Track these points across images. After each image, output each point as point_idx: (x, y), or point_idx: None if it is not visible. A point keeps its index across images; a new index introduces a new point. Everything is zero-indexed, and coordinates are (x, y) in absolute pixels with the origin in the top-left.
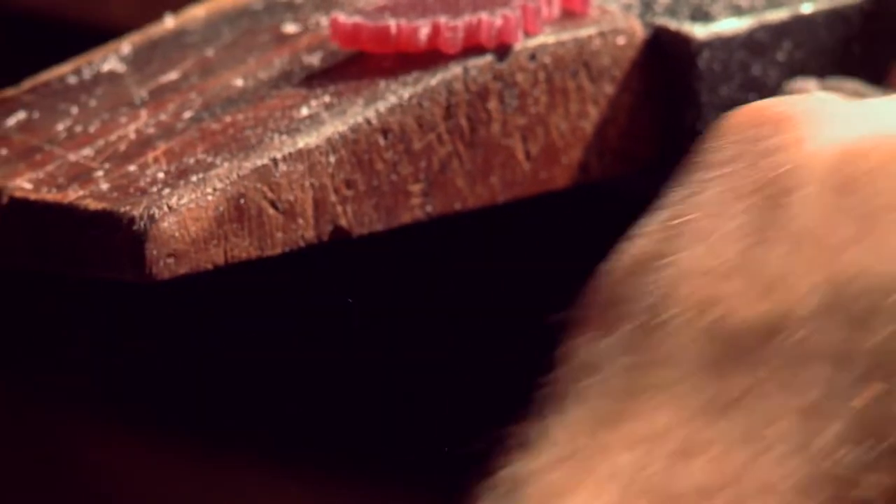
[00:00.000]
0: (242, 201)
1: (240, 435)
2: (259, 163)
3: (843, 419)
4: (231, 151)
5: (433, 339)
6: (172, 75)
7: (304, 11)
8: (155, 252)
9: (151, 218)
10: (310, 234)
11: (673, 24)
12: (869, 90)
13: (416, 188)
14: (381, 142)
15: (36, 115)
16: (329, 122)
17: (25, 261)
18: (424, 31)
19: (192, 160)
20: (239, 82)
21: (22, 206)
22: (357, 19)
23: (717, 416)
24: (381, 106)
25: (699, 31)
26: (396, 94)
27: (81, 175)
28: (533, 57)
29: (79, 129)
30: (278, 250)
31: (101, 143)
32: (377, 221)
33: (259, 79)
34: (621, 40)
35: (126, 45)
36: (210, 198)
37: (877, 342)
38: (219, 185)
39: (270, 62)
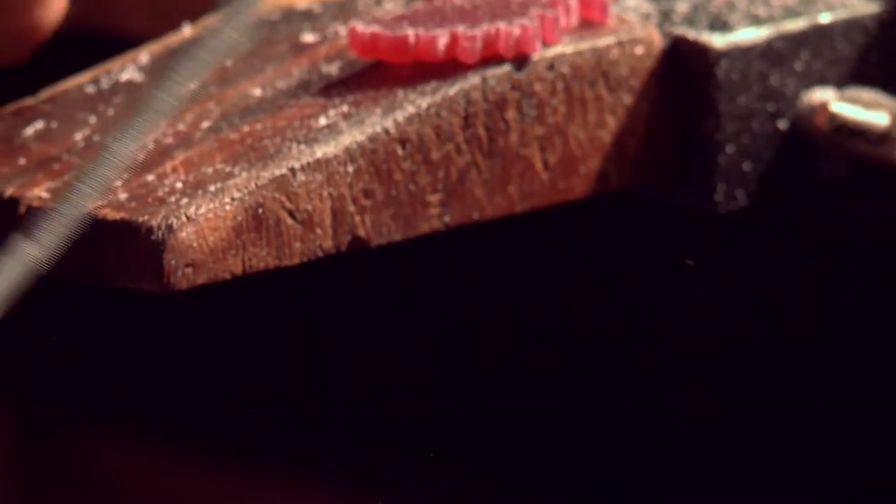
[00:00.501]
0: (261, 211)
1: (260, 449)
2: (277, 172)
3: None
4: (249, 161)
5: (447, 347)
6: (190, 85)
7: (322, 21)
8: (173, 262)
9: (170, 228)
10: (328, 244)
11: (691, 34)
12: (887, 100)
13: (434, 198)
14: (400, 152)
15: (54, 124)
16: (347, 132)
17: (45, 269)
18: (442, 40)
19: (210, 170)
20: (257, 92)
21: (40, 216)
22: (375, 29)
23: None
24: (400, 116)
25: (717, 41)
26: (414, 103)
27: None
28: (551, 67)
29: (97, 138)
30: (296, 260)
31: None
32: (395, 231)
33: (277, 88)
34: (639, 50)
35: (144, 55)
36: (228, 207)
37: None
38: (237, 195)
39: (289, 72)
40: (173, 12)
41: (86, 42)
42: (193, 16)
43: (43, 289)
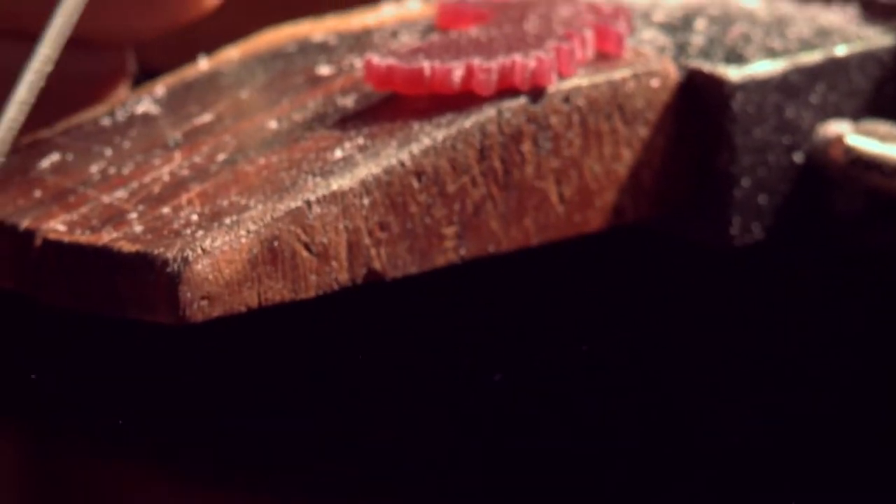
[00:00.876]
0: (276, 244)
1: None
2: (293, 205)
3: None
4: (265, 193)
5: (459, 380)
6: (206, 117)
7: (337, 53)
8: (189, 294)
9: (185, 260)
10: (343, 277)
11: (707, 67)
12: None
13: (449, 231)
14: (415, 184)
15: (69, 156)
16: (363, 165)
17: (60, 301)
18: (458, 72)
19: (225, 202)
20: (273, 124)
21: (56, 248)
22: (391, 61)
23: None
24: (415, 148)
25: (733, 74)
26: (430, 136)
27: (115, 217)
28: (567, 99)
29: (112, 171)
30: (312, 293)
31: (134, 185)
32: (411, 264)
33: (293, 121)
34: (655, 83)
35: (160, 87)
36: (244, 240)
37: None
38: (252, 228)
39: (304, 104)
40: (190, 45)
41: None
42: (210, 48)
43: (52, 317)
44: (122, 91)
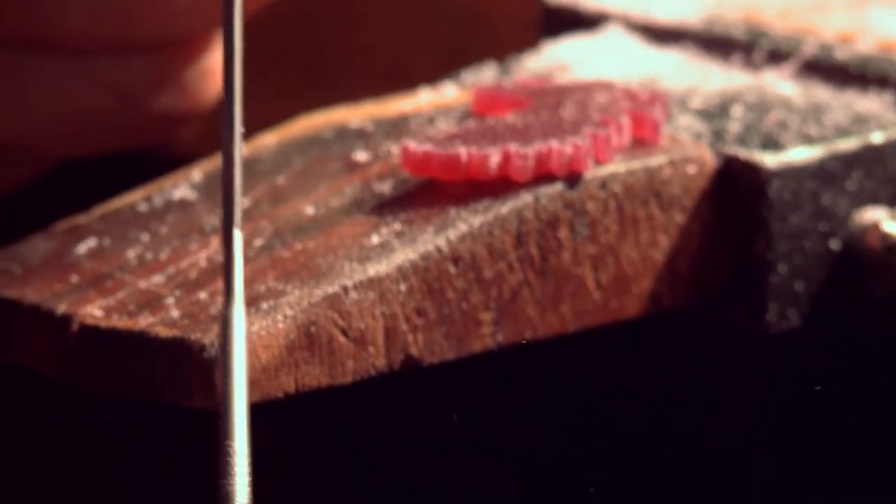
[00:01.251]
0: (313, 329)
1: None
2: (330, 290)
3: None
4: (302, 279)
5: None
6: (243, 203)
7: (374, 139)
8: None
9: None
10: (381, 363)
11: (743, 153)
12: None
13: (486, 317)
14: (452, 270)
15: (106, 242)
16: (399, 250)
17: (96, 386)
18: (495, 158)
19: (262, 287)
20: (310, 210)
21: (93, 333)
22: (427, 147)
23: None
24: (452, 234)
25: (769, 160)
26: (467, 221)
27: (152, 302)
28: (603, 185)
29: (149, 256)
30: (349, 379)
31: (171, 270)
32: (448, 350)
33: (330, 206)
34: (692, 169)
35: (197, 173)
36: (280, 325)
37: None
38: (289, 313)
39: (341, 190)
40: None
41: (137, 161)
42: (247, 134)
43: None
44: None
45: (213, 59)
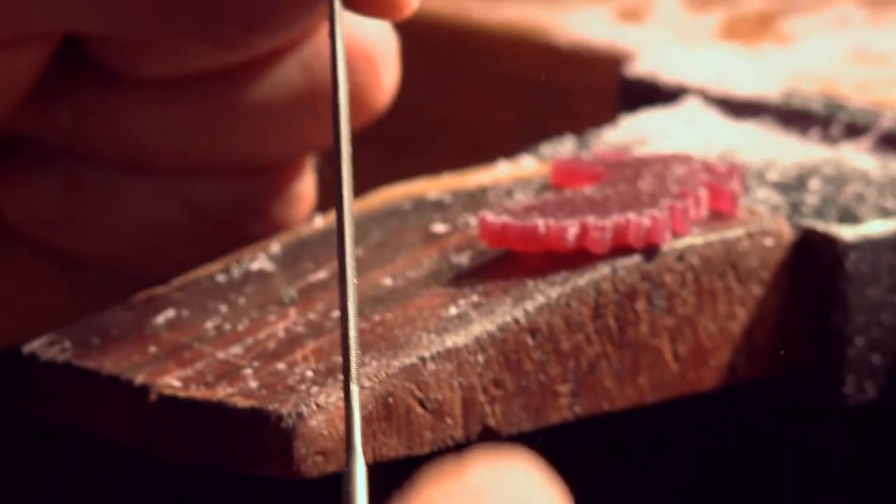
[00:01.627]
0: (391, 400)
1: None
2: (407, 361)
3: None
4: (379, 350)
5: None
6: (321, 274)
7: (452, 211)
8: (303, 450)
9: (300, 416)
10: (458, 434)
11: (820, 226)
12: None
13: (564, 388)
14: (530, 341)
15: (185, 312)
16: (477, 322)
17: (174, 456)
18: (573, 230)
19: (340, 359)
20: (388, 281)
21: (171, 403)
22: (505, 219)
23: None
24: (530, 305)
25: (847, 233)
26: (544, 293)
27: (230, 373)
28: (681, 258)
29: (227, 327)
30: (427, 449)
31: (249, 341)
32: (525, 421)
33: (408, 278)
34: (769, 241)
35: (275, 245)
36: (359, 396)
37: None
38: (367, 384)
39: (419, 261)
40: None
41: None
42: (324, 207)
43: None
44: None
45: (301, 186)
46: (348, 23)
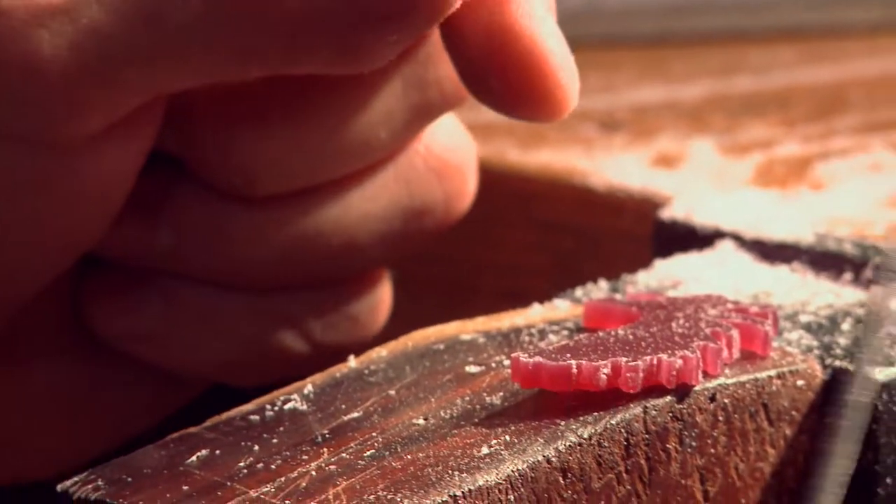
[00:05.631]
0: None
1: None
2: (439, 500)
3: None
4: (411, 489)
5: None
6: (354, 414)
7: (485, 352)
8: None
9: None
10: None
11: (852, 367)
12: None
13: None
14: (561, 481)
15: (218, 452)
16: (509, 461)
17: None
18: (605, 371)
19: (372, 497)
20: (420, 421)
21: None
22: (538, 359)
23: None
24: (561, 445)
25: (878, 374)
26: (576, 433)
27: None
28: (713, 398)
29: (260, 466)
30: None
31: (281, 480)
32: None
33: (440, 417)
34: (801, 382)
35: (309, 385)
36: None
37: None
38: None
39: (452, 401)
40: (346, 349)
41: None
42: (359, 351)
43: None
44: None
45: (383, 291)
46: (432, 132)
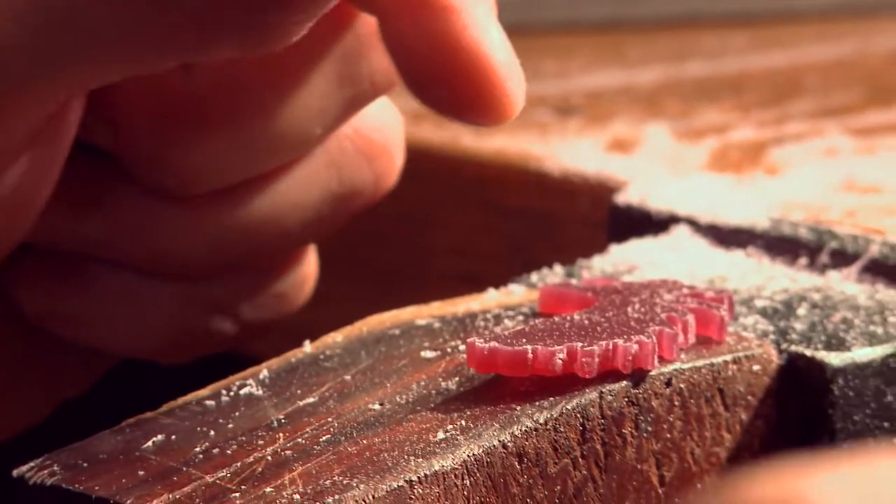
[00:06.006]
0: None
1: None
2: (395, 485)
3: None
4: (367, 474)
5: None
6: (310, 399)
7: (441, 337)
8: None
9: None
10: None
11: (808, 352)
12: None
13: None
14: (517, 465)
15: (173, 437)
16: (465, 446)
17: None
18: (560, 356)
19: (328, 482)
20: (376, 406)
21: None
22: (493, 345)
23: None
24: (517, 430)
25: (834, 359)
26: (532, 418)
27: (217, 496)
28: (668, 383)
29: (216, 451)
30: None
31: (237, 465)
32: None
33: (396, 402)
34: (756, 367)
35: (264, 370)
36: None
37: None
38: None
39: (408, 386)
40: (294, 333)
41: (208, 361)
42: (314, 336)
43: None
44: None
45: (309, 265)
46: (361, 113)
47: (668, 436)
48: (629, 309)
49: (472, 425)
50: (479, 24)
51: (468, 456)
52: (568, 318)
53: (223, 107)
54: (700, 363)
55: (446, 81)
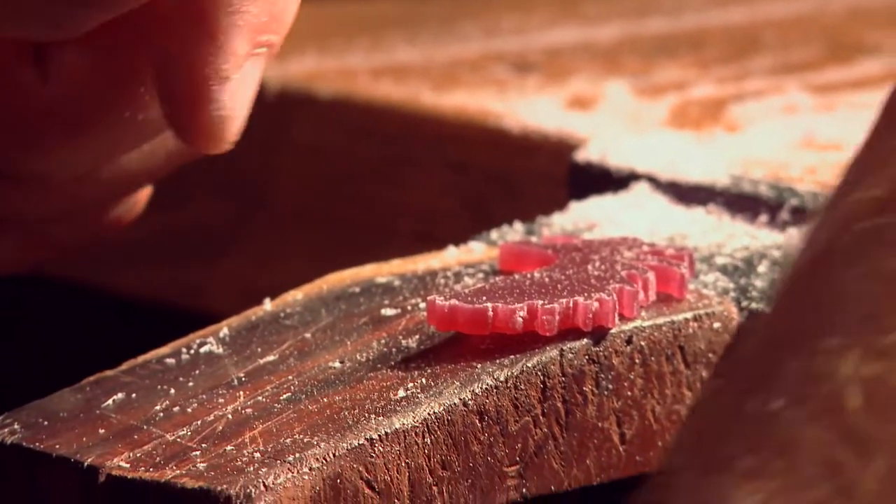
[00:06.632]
0: (339, 481)
1: None
2: (355, 443)
3: None
4: (328, 432)
5: None
6: (270, 357)
7: (401, 295)
8: None
9: (248, 497)
10: None
11: (768, 309)
12: None
13: (511, 470)
14: (477, 423)
15: (134, 395)
16: (425, 404)
17: None
18: (521, 314)
19: (288, 440)
20: (336, 364)
21: (119, 485)
22: (454, 302)
23: None
24: (478, 387)
25: None
26: (493, 376)
27: (178, 454)
28: (629, 340)
29: (176, 409)
30: None
31: (198, 423)
32: (472, 502)
33: (356, 361)
34: (717, 324)
35: (225, 328)
36: (306, 477)
37: None
38: (315, 465)
39: (368, 344)
40: (254, 292)
41: (168, 319)
42: (274, 294)
43: None
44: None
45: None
46: None
47: (629, 393)
48: (589, 266)
49: (432, 383)
50: (220, 76)
51: (429, 414)
52: (528, 275)
53: (79, 109)
54: (661, 321)
55: (177, 122)
